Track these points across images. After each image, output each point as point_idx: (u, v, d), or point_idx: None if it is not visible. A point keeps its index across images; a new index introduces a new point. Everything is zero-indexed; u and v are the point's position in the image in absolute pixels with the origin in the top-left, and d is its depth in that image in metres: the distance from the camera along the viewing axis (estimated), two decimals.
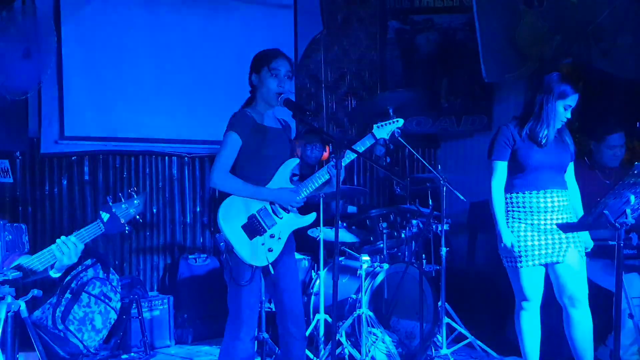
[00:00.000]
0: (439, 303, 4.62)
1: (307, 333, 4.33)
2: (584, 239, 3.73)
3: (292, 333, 3.26)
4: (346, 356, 4.31)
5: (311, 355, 4.31)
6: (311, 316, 4.53)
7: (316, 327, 4.39)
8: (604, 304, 3.96)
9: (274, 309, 3.89)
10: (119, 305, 4.86)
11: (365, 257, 4.46)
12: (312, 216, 3.31)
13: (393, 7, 6.59)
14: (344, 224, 5.01)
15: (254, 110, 3.26)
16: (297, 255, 4.73)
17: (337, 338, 4.15)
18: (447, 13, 6.52)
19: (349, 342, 4.33)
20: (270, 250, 3.16)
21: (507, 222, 3.70)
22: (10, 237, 4.56)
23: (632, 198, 2.94)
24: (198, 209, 6.04)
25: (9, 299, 2.61)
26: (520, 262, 3.66)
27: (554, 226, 3.60)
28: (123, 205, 2.76)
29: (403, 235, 4.90)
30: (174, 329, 5.26)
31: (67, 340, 4.57)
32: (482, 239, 5.97)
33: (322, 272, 4.46)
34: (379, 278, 4.49)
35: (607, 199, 2.98)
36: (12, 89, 4.76)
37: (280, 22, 6.18)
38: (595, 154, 4.57)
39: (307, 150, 5.24)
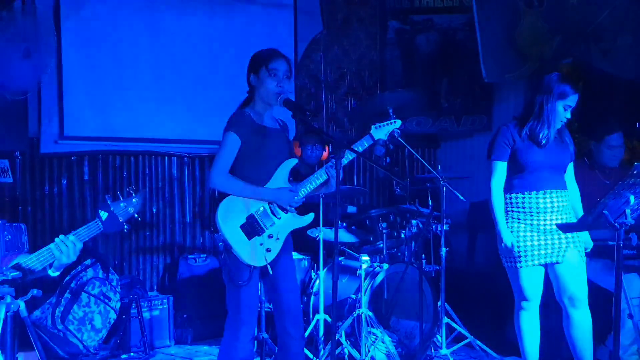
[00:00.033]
0: (439, 303, 4.62)
1: (307, 333, 4.34)
2: (584, 239, 3.73)
3: (290, 333, 3.25)
4: (346, 356, 4.31)
5: (311, 355, 4.31)
6: (311, 316, 4.53)
7: (316, 327, 4.39)
8: (604, 304, 3.96)
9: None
10: (118, 305, 4.86)
11: (365, 257, 4.46)
12: (310, 216, 3.31)
13: (393, 7, 6.59)
14: (344, 224, 5.01)
15: (252, 111, 3.26)
16: (297, 255, 4.74)
17: (336, 338, 4.15)
18: (447, 13, 6.53)
19: (349, 342, 4.33)
20: (268, 250, 3.16)
21: (507, 222, 3.70)
22: (9, 236, 4.56)
23: (632, 198, 2.94)
24: (198, 209, 6.04)
25: (9, 298, 2.61)
26: (520, 262, 3.66)
27: (554, 226, 3.60)
28: (121, 204, 2.76)
29: (403, 236, 4.90)
30: (173, 328, 5.26)
31: (67, 340, 4.57)
32: (482, 239, 5.97)
33: (322, 272, 4.46)
34: (379, 278, 4.49)
35: (607, 199, 2.97)
36: (12, 89, 4.76)
37: (280, 22, 6.18)
38: (594, 154, 4.57)
39: (307, 150, 5.25)
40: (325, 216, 4.43)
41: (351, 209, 5.69)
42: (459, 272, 5.29)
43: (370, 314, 4.32)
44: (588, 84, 5.19)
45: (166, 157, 5.92)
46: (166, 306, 5.22)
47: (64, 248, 2.63)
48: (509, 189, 3.73)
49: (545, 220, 3.65)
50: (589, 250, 3.76)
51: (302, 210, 3.29)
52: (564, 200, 3.70)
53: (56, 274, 2.71)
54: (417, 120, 6.52)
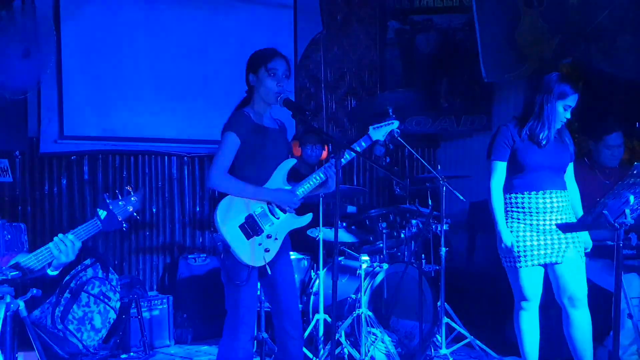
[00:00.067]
0: (438, 303, 4.62)
1: (307, 333, 4.35)
2: (584, 239, 3.73)
3: (289, 332, 3.25)
4: (345, 356, 4.31)
5: (310, 355, 4.31)
6: (310, 316, 4.53)
7: (315, 327, 4.39)
8: (604, 304, 3.96)
9: None
10: (118, 305, 4.86)
11: (365, 257, 4.46)
12: (308, 217, 3.31)
13: (393, 8, 6.59)
14: (344, 224, 5.00)
15: (252, 111, 3.25)
16: (297, 255, 4.74)
17: (336, 338, 4.14)
18: (447, 13, 6.53)
19: (349, 342, 4.33)
20: (267, 250, 3.16)
21: (507, 222, 3.70)
22: (9, 236, 4.56)
23: (632, 198, 2.94)
24: (198, 209, 6.04)
25: (8, 298, 2.61)
26: (520, 262, 3.66)
27: (554, 226, 3.60)
28: (120, 203, 2.76)
29: (402, 235, 4.90)
30: (173, 328, 5.26)
31: (66, 339, 4.57)
32: (482, 239, 5.97)
33: (322, 272, 4.46)
34: (379, 278, 4.49)
35: (607, 199, 2.97)
36: (12, 89, 4.76)
37: (280, 22, 6.18)
38: (594, 154, 4.57)
39: (307, 150, 5.24)
40: (325, 216, 4.43)
41: (351, 208, 5.69)
42: (458, 272, 5.28)
43: (370, 313, 4.32)
44: (588, 83, 5.19)
45: (166, 157, 5.92)
46: (166, 306, 5.22)
47: (63, 247, 2.63)
48: (508, 189, 3.73)
49: (545, 220, 3.65)
50: (588, 250, 3.76)
51: (300, 210, 3.29)
52: (563, 201, 3.70)
53: (55, 273, 2.71)
54: (417, 120, 6.52)
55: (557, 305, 3.74)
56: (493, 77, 5.71)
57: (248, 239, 3.12)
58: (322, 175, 3.24)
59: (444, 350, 4.50)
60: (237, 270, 3.12)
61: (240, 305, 3.12)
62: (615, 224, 2.97)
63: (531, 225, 3.66)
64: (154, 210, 5.87)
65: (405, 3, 6.57)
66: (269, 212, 3.19)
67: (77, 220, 5.41)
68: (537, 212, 3.66)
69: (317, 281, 4.52)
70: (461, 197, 4.50)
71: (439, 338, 4.55)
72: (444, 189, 4.59)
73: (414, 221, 4.83)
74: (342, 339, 4.29)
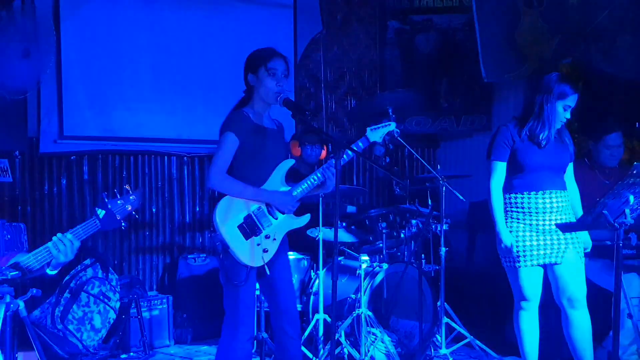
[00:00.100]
0: (438, 303, 4.62)
1: (307, 333, 4.35)
2: (583, 240, 3.73)
3: (288, 332, 3.26)
4: (345, 356, 4.31)
5: (310, 355, 4.31)
6: (310, 316, 4.53)
7: (315, 327, 4.39)
8: (603, 304, 3.96)
9: None
10: (118, 304, 4.86)
11: (365, 257, 4.46)
12: (306, 217, 3.31)
13: (392, 7, 6.59)
14: (344, 224, 5.01)
15: (252, 111, 3.25)
16: (297, 255, 4.74)
17: (336, 338, 4.14)
18: (447, 13, 6.52)
19: (348, 342, 4.33)
20: (265, 251, 3.16)
21: (506, 222, 3.70)
22: (9, 236, 4.56)
23: (631, 198, 2.94)
24: (197, 209, 6.04)
25: (8, 298, 2.61)
26: (519, 262, 3.66)
27: (553, 227, 3.60)
28: (119, 202, 2.76)
29: (402, 235, 4.90)
30: (173, 328, 5.26)
31: (66, 339, 4.57)
32: (482, 238, 5.97)
33: (322, 272, 4.46)
34: (378, 278, 4.49)
35: (606, 199, 2.97)
36: (12, 89, 4.76)
37: (280, 22, 6.18)
38: (594, 154, 4.57)
39: (307, 149, 5.24)
40: (325, 216, 4.43)
41: (351, 208, 5.69)
42: (458, 272, 5.29)
43: (370, 313, 4.32)
44: (588, 84, 5.19)
45: (166, 157, 5.92)
46: (166, 306, 5.23)
47: (62, 247, 2.63)
48: (508, 189, 3.73)
49: (544, 220, 3.65)
50: (588, 250, 3.76)
51: (299, 210, 3.29)
52: (563, 201, 3.70)
53: (54, 272, 2.71)
54: (417, 120, 6.52)
55: (557, 305, 3.74)
56: (493, 77, 5.71)
57: (247, 239, 3.12)
58: (319, 176, 3.24)
59: (443, 350, 4.50)
60: (236, 270, 3.12)
61: (239, 305, 3.12)
62: (615, 224, 2.97)
63: (531, 225, 3.66)
64: (154, 210, 5.87)
65: (405, 3, 6.57)
66: (267, 213, 3.19)
67: (76, 220, 5.39)
68: (536, 212, 3.66)
69: (317, 281, 4.52)
70: (461, 197, 4.50)
71: (438, 338, 4.55)
72: (444, 189, 4.59)
73: (413, 221, 4.83)
74: (342, 339, 4.30)
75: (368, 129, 3.40)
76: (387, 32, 6.61)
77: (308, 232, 4.65)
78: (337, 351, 4.21)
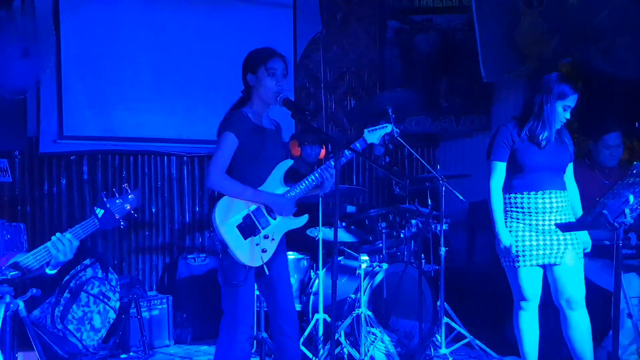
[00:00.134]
0: (438, 303, 4.62)
1: (306, 333, 4.35)
2: (583, 240, 3.73)
3: (287, 332, 3.26)
4: (345, 356, 4.31)
5: (310, 355, 4.31)
6: (310, 316, 4.53)
7: (315, 327, 4.39)
8: (603, 304, 3.96)
9: None
10: (117, 304, 4.86)
11: (365, 257, 4.46)
12: (304, 218, 3.31)
13: (392, 7, 6.59)
14: (343, 224, 5.00)
15: (251, 111, 3.25)
16: (296, 255, 4.74)
17: (336, 338, 4.15)
18: (447, 13, 6.52)
19: (348, 342, 4.33)
20: (264, 251, 3.16)
21: (506, 222, 3.70)
22: (8, 236, 4.56)
23: (631, 198, 2.94)
24: (197, 209, 6.04)
25: (8, 298, 2.61)
26: (518, 262, 3.66)
27: (553, 227, 3.60)
28: (117, 201, 2.76)
29: (402, 235, 4.90)
30: (172, 328, 5.26)
31: (66, 339, 4.57)
32: (481, 238, 5.97)
33: (321, 272, 4.46)
34: (378, 278, 4.49)
35: (606, 199, 2.97)
36: (11, 89, 4.76)
37: (280, 22, 6.18)
38: (593, 154, 4.57)
39: (307, 149, 5.25)
40: (325, 216, 4.43)
41: (350, 208, 5.70)
42: (458, 272, 5.29)
43: (370, 313, 4.32)
44: (587, 83, 5.19)
45: (165, 157, 5.92)
46: (165, 306, 5.22)
47: (61, 246, 2.64)
48: (508, 189, 3.73)
49: (544, 220, 3.65)
50: (588, 250, 3.76)
51: (298, 210, 3.29)
52: (563, 201, 3.69)
53: (54, 272, 2.71)
54: (417, 120, 6.52)
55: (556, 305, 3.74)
56: (493, 77, 5.71)
57: (245, 239, 3.12)
58: (317, 177, 3.24)
59: (443, 350, 4.50)
60: (235, 270, 3.12)
61: (237, 305, 3.12)
62: (615, 224, 2.97)
63: (530, 225, 3.66)
64: (154, 210, 5.87)
65: (404, 3, 6.57)
66: (266, 213, 3.19)
67: (76, 220, 5.34)
68: (536, 212, 3.66)
69: (317, 281, 4.52)
70: (461, 197, 4.50)
71: (438, 338, 4.55)
72: (444, 188, 4.59)
73: (413, 221, 4.83)
74: (342, 339, 4.29)
75: (365, 130, 3.40)
76: (386, 32, 6.61)
77: (308, 232, 4.65)
78: (336, 351, 4.21)
